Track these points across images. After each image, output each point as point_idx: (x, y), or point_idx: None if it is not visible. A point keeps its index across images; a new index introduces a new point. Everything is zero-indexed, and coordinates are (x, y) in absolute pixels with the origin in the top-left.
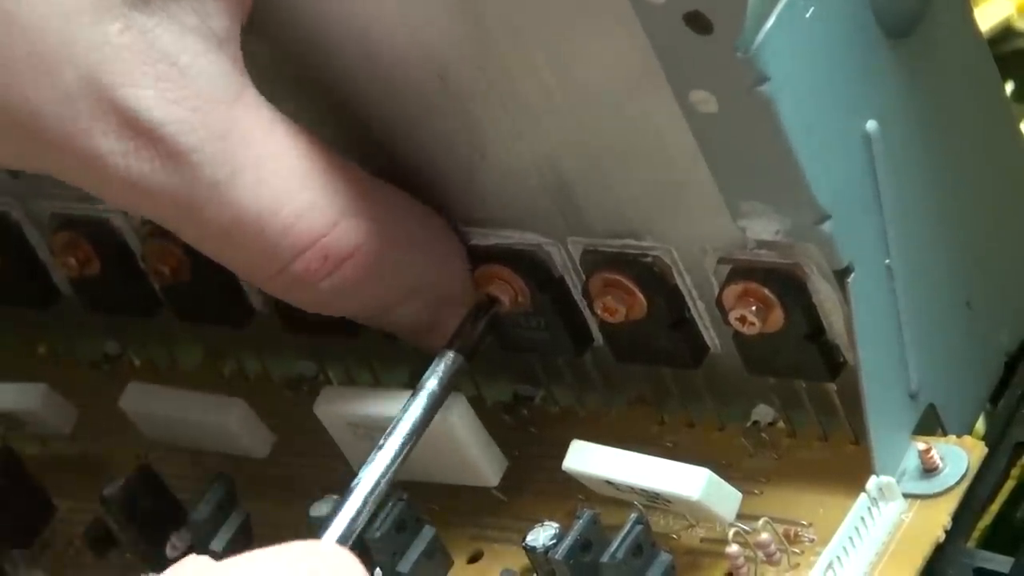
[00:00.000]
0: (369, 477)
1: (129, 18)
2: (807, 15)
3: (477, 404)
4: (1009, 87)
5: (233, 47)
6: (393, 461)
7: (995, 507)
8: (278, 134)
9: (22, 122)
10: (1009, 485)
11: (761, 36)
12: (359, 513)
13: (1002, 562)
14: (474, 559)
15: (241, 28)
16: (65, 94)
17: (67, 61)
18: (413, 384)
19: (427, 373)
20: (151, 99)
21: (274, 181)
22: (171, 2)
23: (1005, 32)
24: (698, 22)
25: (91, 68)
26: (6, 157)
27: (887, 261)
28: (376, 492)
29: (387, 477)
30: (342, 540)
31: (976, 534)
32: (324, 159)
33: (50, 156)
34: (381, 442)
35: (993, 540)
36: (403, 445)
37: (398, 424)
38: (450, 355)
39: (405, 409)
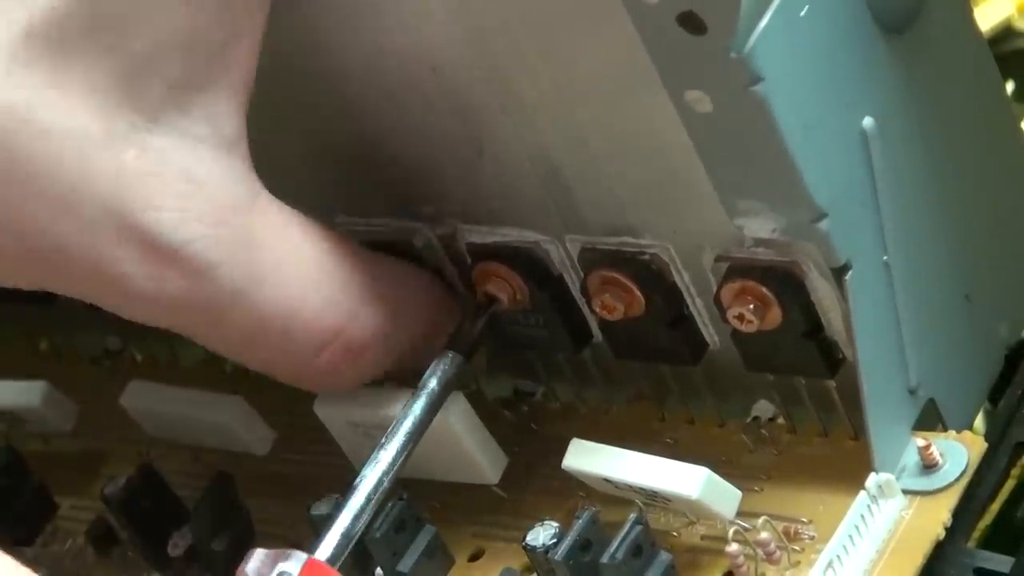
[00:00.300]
0: (372, 476)
1: (143, 142)
2: (801, 13)
3: (477, 400)
4: (1009, 87)
5: (243, 147)
6: (395, 460)
7: (995, 507)
8: (293, 233)
9: (46, 256)
10: (1009, 485)
11: (755, 36)
12: (362, 511)
13: (1002, 562)
14: (475, 557)
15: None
16: (87, 226)
17: (86, 194)
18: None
19: (427, 373)
20: (174, 220)
21: (293, 282)
22: (181, 117)
23: (1005, 32)
24: (691, 22)
25: (110, 198)
26: (31, 284)
27: (885, 258)
28: (379, 491)
29: (390, 476)
30: (344, 539)
31: (976, 534)
32: (336, 251)
33: (75, 284)
34: (383, 441)
35: (993, 540)
36: (404, 444)
37: (401, 423)
38: (449, 355)
39: (407, 408)
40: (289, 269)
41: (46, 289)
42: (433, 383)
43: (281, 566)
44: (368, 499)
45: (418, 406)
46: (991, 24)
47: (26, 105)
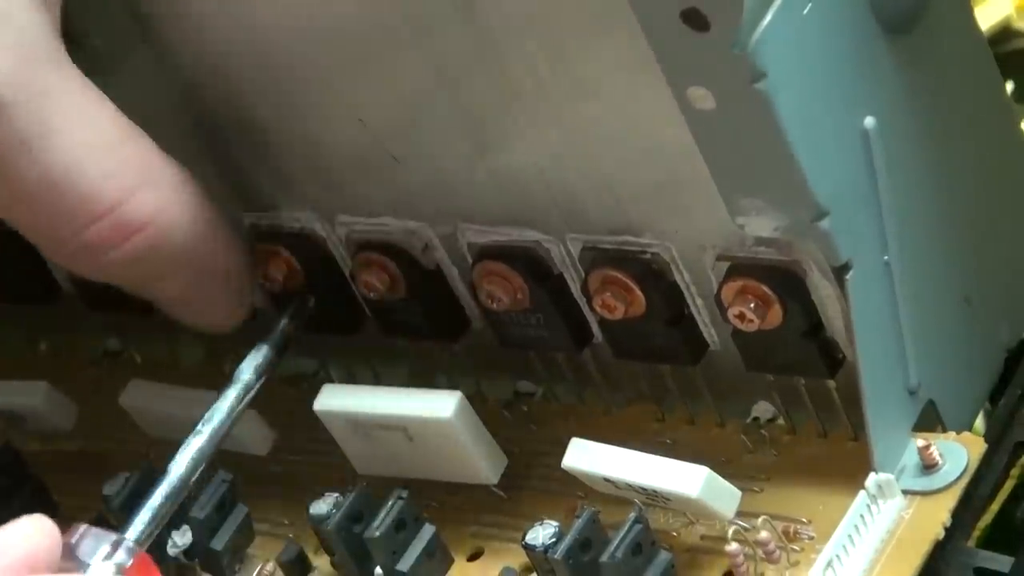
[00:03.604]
0: (183, 460)
1: None
2: (804, 11)
3: (477, 401)
4: (1009, 87)
5: (55, 11)
6: (206, 447)
7: (995, 506)
8: (90, 101)
9: None
10: (1009, 484)
11: (758, 33)
12: (173, 494)
13: (1002, 562)
14: (474, 557)
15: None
16: None
17: None
18: (412, 382)
19: (243, 364)
20: None
21: (81, 146)
22: None
23: (1005, 32)
24: (695, 19)
25: None
26: None
27: (886, 258)
28: (191, 475)
29: (201, 461)
30: (152, 522)
31: (976, 533)
32: (126, 129)
33: None
34: (198, 427)
35: (993, 539)
36: (216, 431)
37: (214, 413)
38: (264, 348)
39: (221, 398)
40: (77, 131)
41: None
42: (247, 374)
43: (116, 556)
44: (181, 483)
45: (232, 395)
46: (991, 24)
47: None
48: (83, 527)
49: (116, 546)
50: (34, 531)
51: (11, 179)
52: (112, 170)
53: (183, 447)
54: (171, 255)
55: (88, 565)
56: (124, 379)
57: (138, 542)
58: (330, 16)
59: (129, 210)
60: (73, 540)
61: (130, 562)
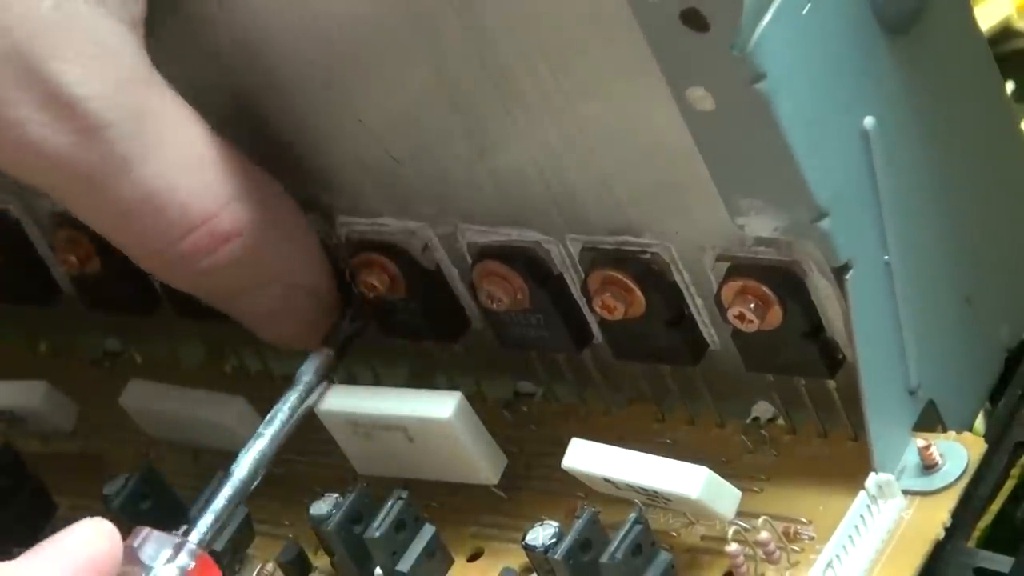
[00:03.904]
0: (246, 462)
1: None
2: (804, 11)
3: (477, 401)
4: (1009, 87)
5: (141, 31)
6: (269, 447)
7: (995, 506)
8: (182, 116)
9: None
10: (1009, 484)
11: (758, 33)
12: (237, 496)
13: (1002, 562)
14: (474, 557)
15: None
16: None
17: None
18: (412, 382)
19: (303, 366)
20: (77, 75)
21: (177, 161)
22: None
23: (1005, 32)
24: (695, 19)
25: (21, 39)
26: None
27: (886, 258)
28: (255, 477)
29: (263, 463)
30: (216, 522)
31: (976, 533)
32: (217, 143)
33: None
34: (260, 429)
35: (993, 539)
36: (278, 432)
37: (276, 414)
38: (324, 350)
39: (283, 399)
40: (174, 148)
41: None
42: (308, 376)
43: (179, 559)
44: (243, 485)
45: (294, 397)
46: (991, 24)
47: None
48: (145, 530)
49: (178, 549)
50: (96, 535)
51: (111, 196)
52: (206, 183)
53: (244, 450)
54: (262, 266)
55: (151, 568)
56: (124, 380)
57: (200, 544)
58: (331, 16)
59: (223, 220)
60: (135, 543)
61: (192, 564)
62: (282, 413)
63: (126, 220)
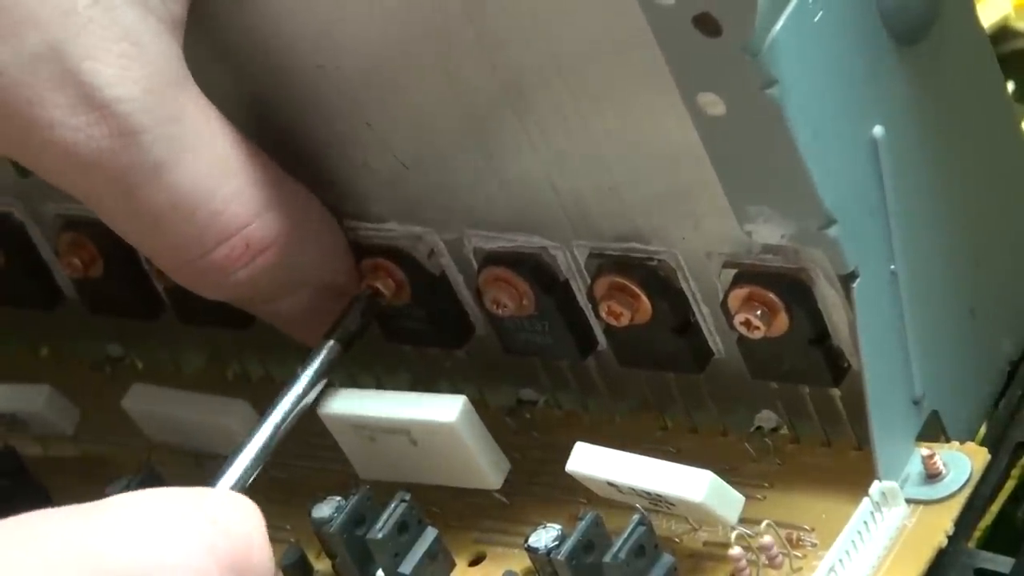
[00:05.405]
0: (251, 448)
1: None
2: (815, 19)
3: (480, 407)
4: (1009, 87)
5: (181, 33)
6: (272, 435)
7: (996, 507)
8: (214, 122)
9: None
10: (1010, 485)
11: (770, 38)
12: (239, 483)
13: (1003, 563)
14: (476, 561)
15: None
16: (28, 59)
17: (34, 25)
18: (415, 388)
19: (309, 358)
20: (112, 76)
21: (210, 168)
22: None
23: (1004, 32)
24: (707, 24)
25: (57, 37)
26: None
27: (892, 267)
28: (257, 463)
29: (267, 448)
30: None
31: (977, 534)
32: (250, 151)
33: (2, 123)
34: (263, 417)
35: (994, 540)
36: (281, 421)
37: (279, 402)
38: (330, 343)
39: (288, 389)
40: (207, 154)
41: None
42: (313, 368)
43: None
44: (247, 471)
45: (299, 387)
46: (989, 24)
47: None
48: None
49: None
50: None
51: (143, 202)
52: (239, 191)
53: (250, 433)
54: (295, 273)
55: None
56: (126, 384)
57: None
58: (344, 23)
59: (256, 229)
60: None
61: None
62: (284, 403)
63: (158, 227)
